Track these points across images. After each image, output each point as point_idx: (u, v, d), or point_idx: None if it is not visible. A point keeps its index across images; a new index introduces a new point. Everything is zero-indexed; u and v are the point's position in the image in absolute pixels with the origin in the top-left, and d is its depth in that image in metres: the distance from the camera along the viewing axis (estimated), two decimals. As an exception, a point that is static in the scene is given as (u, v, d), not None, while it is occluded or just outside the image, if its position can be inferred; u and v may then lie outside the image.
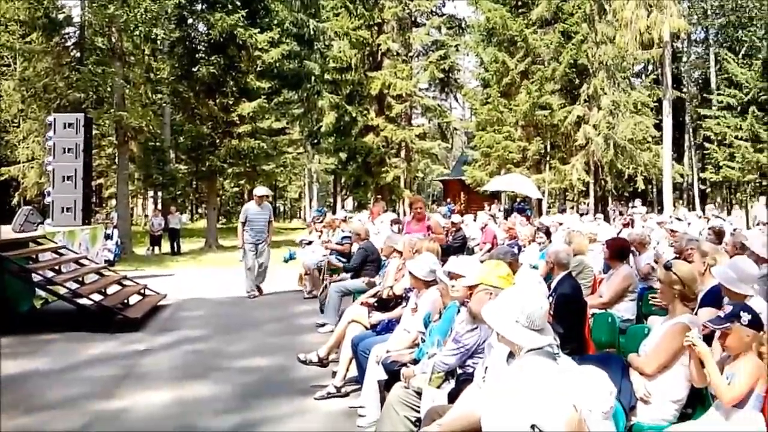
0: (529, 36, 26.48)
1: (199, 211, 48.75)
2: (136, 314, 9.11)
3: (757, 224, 13.24)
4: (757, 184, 33.23)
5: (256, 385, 6.24)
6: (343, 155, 28.61)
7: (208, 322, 9.55)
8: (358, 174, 27.71)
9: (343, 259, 10.56)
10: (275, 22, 25.90)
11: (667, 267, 4.25)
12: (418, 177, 34.89)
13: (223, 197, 43.05)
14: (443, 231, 10.41)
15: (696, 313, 4.57)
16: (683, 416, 3.82)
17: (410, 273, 5.42)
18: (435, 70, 27.70)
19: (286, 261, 14.05)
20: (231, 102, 23.29)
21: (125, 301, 9.82)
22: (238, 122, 23.29)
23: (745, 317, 3.48)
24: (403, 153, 27.97)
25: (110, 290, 10.03)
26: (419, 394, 4.07)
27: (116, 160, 24.21)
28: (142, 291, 10.60)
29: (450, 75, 32.55)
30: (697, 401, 3.81)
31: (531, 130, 27.27)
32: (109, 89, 21.16)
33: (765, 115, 31.38)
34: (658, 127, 28.76)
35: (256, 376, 6.58)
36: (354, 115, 26.96)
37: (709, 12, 37.36)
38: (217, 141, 23.57)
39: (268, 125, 24.41)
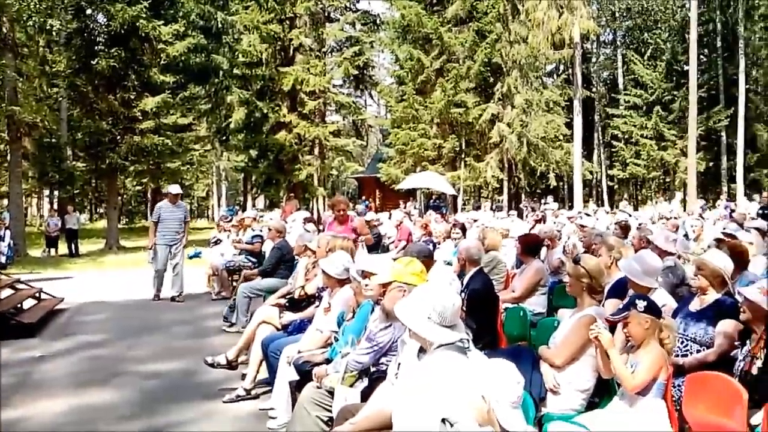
0: (444, 34, 26.95)
1: (99, 210, 46.87)
2: (31, 319, 8.78)
3: (660, 219, 14.06)
4: (661, 181, 35.38)
5: (160, 389, 6.10)
6: (253, 152, 28.14)
7: (109, 326, 9.26)
8: (269, 172, 27.33)
9: (254, 259, 10.41)
10: (181, 14, 25.25)
11: (576, 261, 4.43)
12: (333, 175, 34.85)
13: (125, 196, 41.56)
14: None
15: (603, 305, 4.81)
16: (591, 405, 4.00)
17: (323, 271, 5.41)
18: (349, 66, 27.70)
19: (190, 258, 13.70)
20: (133, 96, 22.54)
21: (19, 305, 9.39)
22: (140, 118, 22.54)
23: (641, 304, 3.70)
24: (316, 150, 27.82)
25: (2, 294, 9.49)
26: (331, 393, 4.08)
27: (8, 158, 22.94)
28: (37, 295, 10.16)
29: (365, 72, 32.66)
30: (604, 391, 4.00)
31: (446, 128, 27.78)
32: (-1, 82, 20.00)
33: (669, 114, 33.44)
34: (569, 125, 30.04)
35: (160, 380, 6.43)
36: (265, 111, 26.56)
37: (617, 14, 39.38)
38: (118, 137, 22.72)
39: (173, 121, 23.73)
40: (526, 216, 16.17)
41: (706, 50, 36.24)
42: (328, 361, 4.50)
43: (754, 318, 4.08)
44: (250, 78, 27.45)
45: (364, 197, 34.10)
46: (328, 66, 28.20)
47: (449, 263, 7.53)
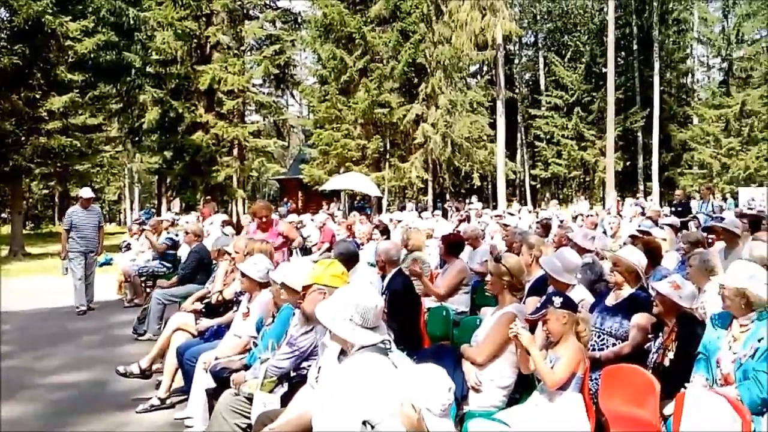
0: (368, 33, 27.07)
1: (2, 215, 44.57)
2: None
3: (576, 217, 14.63)
4: (581, 180, 36.78)
5: (70, 401, 5.93)
6: (168, 154, 27.41)
7: (13, 337, 8.85)
8: (185, 174, 26.69)
9: (168, 265, 10.15)
10: (90, 9, 24.26)
11: (497, 259, 4.56)
12: (253, 176, 34.40)
13: (30, 200, 39.71)
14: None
15: (524, 302, 4.95)
16: (512, 401, 4.12)
17: (242, 275, 5.34)
18: (270, 65, 27.41)
19: (100, 265, 13.21)
20: (38, 96, 21.51)
21: None
22: (46, 118, 21.55)
23: (557, 301, 3.85)
24: (235, 151, 27.38)
25: None
26: (250, 400, 4.04)
27: None
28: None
29: (286, 71, 32.43)
30: (525, 386, 4.13)
31: (370, 128, 27.88)
32: None
33: (588, 115, 34.79)
34: (493, 125, 30.76)
35: (70, 392, 6.23)
36: (180, 111, 25.93)
37: (538, 17, 40.66)
38: (23, 138, 21.65)
39: (81, 121, 22.79)
40: (451, 216, 16.48)
41: (623, 53, 37.86)
42: (246, 367, 4.46)
43: (665, 311, 4.31)
44: (165, 76, 26.74)
45: (286, 199, 33.85)
46: (247, 64, 27.81)
47: (372, 264, 7.56)
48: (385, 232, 8.86)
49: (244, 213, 26.55)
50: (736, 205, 19.07)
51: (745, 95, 31.70)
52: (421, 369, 3.01)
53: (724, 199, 24.17)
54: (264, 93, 30.58)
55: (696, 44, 37.91)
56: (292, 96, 38.82)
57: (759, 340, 3.73)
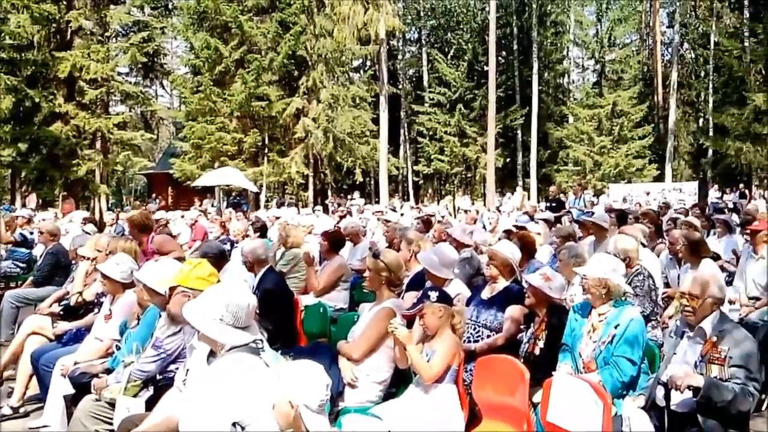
0: (245, 23, 26.59)
1: None
2: None
3: (459, 212, 15.18)
4: (463, 176, 38.03)
5: None
6: (23, 146, 25.69)
7: None
8: (42, 167, 25.18)
9: (22, 265, 9.54)
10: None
11: (376, 255, 4.67)
12: (118, 171, 32.97)
13: None
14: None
15: (402, 298, 5.09)
16: (389, 396, 4.24)
17: (103, 276, 5.14)
18: (137, 53, 26.33)
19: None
20: None
21: None
22: None
23: (434, 295, 4.01)
24: (98, 144, 26.13)
25: None
26: (112, 405, 3.95)
27: None
28: None
29: (155, 59, 31.34)
30: (401, 380, 4.25)
31: (247, 122, 27.44)
32: None
33: (470, 112, 35.98)
34: (376, 121, 31.11)
35: None
36: (37, 100, 24.42)
37: (422, 14, 41.50)
38: None
39: None
40: (333, 212, 16.59)
41: (504, 52, 39.31)
42: (108, 371, 4.35)
43: (537, 302, 4.59)
44: (19, 63, 25.06)
45: (154, 195, 32.72)
46: (112, 52, 26.61)
47: (248, 263, 7.48)
48: (262, 229, 8.79)
49: (107, 209, 25.40)
50: (630, 200, 20.24)
51: (616, 96, 33.93)
52: (299, 365, 3.05)
53: (597, 195, 25.91)
54: (131, 82, 29.42)
55: (572, 46, 39.95)
56: (162, 86, 37.63)
57: (615, 327, 4.06)
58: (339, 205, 21.29)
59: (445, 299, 4.05)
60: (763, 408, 5.31)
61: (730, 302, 6.25)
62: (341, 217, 12.48)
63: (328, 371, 4.01)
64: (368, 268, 4.66)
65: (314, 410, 2.84)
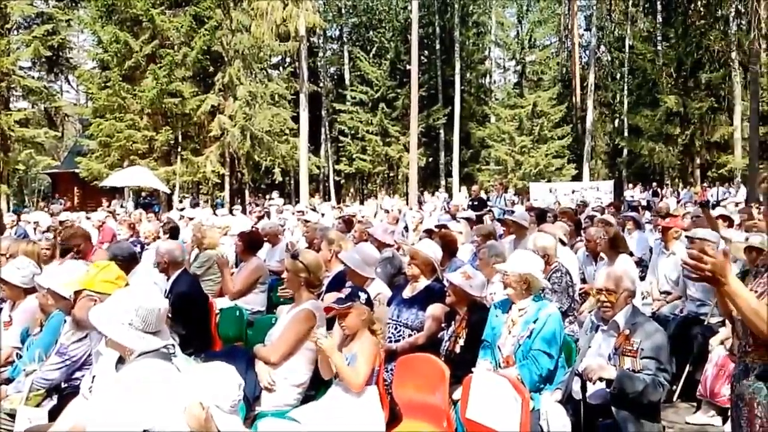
0: (157, 17, 25.83)
1: None
2: None
3: (382, 211, 15.31)
4: (386, 176, 38.31)
5: None
6: None
7: None
8: (-66, 166, 23.92)
9: None
10: None
11: (294, 256, 4.65)
12: (19, 170, 31.54)
13: None
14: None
15: (322, 299, 5.09)
16: (309, 398, 4.23)
17: (2, 281, 4.95)
18: (40, 46, 25.35)
19: None
20: None
21: None
22: None
23: (363, 296, 4.03)
24: (-2, 141, 25.01)
25: None
26: (12, 416, 3.82)
27: None
28: None
29: (60, 53, 30.24)
30: (320, 383, 4.25)
31: (159, 119, 26.69)
32: None
33: (393, 111, 36.29)
34: (296, 119, 30.95)
35: None
36: (-72, 94, 23.19)
37: (343, 11, 41.53)
38: None
39: None
40: (251, 212, 16.37)
41: (426, 51, 39.80)
42: (8, 381, 4.22)
43: (457, 300, 4.70)
44: None
45: (58, 196, 31.51)
46: (13, 45, 25.48)
47: (159, 266, 7.32)
48: (174, 230, 8.60)
49: (8, 211, 24.29)
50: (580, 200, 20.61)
51: (537, 97, 34.99)
52: (209, 367, 3.02)
53: (518, 194, 26.63)
54: (33, 77, 28.27)
55: (493, 47, 40.97)
56: (68, 81, 36.27)
57: (534, 321, 4.21)
58: (257, 205, 21.05)
59: (368, 303, 4.08)
60: (674, 398, 5.60)
61: (644, 296, 6.57)
62: (259, 218, 12.33)
63: (245, 375, 3.99)
64: (286, 269, 4.64)
65: (226, 411, 2.81)
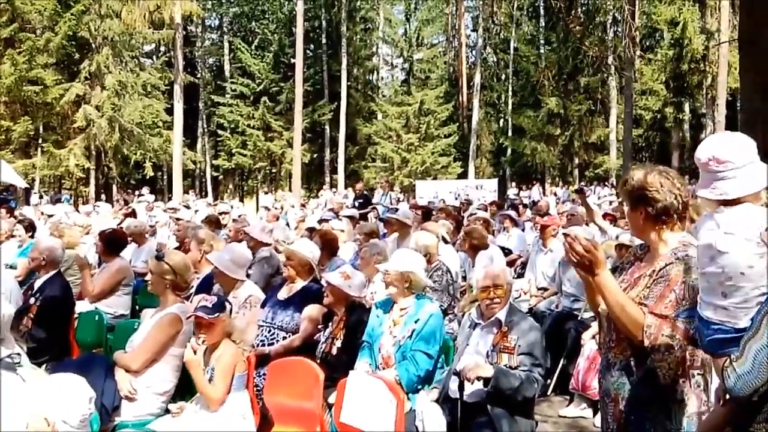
0: (16, -1, 24.71)
1: None
2: None
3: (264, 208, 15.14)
4: (267, 172, 37.88)
5: None
6: None
7: None
8: None
9: None
10: None
11: (159, 257, 4.47)
12: None
13: None
14: None
15: (191, 301, 4.92)
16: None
17: None
18: None
19: None
20: None
21: None
22: None
23: (228, 306, 3.94)
24: None
25: None
26: None
27: None
28: None
29: None
30: (186, 390, 4.10)
31: (17, 108, 25.66)
32: None
33: (276, 105, 35.90)
34: (170, 111, 30.11)
35: None
36: None
37: (223, 0, 40.65)
38: None
39: None
40: (119, 209, 15.71)
41: (312, 45, 39.72)
42: None
43: (336, 301, 4.66)
44: None
45: None
46: None
47: (12, 266, 6.87)
48: (30, 228, 8.10)
49: None
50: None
51: (424, 95, 35.60)
52: (57, 379, 2.87)
53: (403, 192, 27.05)
54: None
55: (381, 44, 41.40)
56: None
57: (416, 322, 4.25)
58: (126, 201, 20.28)
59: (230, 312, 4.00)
60: (548, 392, 5.84)
61: (518, 294, 6.83)
62: (126, 215, 11.84)
63: (103, 384, 3.82)
64: (150, 272, 4.45)
65: (74, 426, 2.65)
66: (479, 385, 3.76)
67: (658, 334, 2.41)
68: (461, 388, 3.81)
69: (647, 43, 32.36)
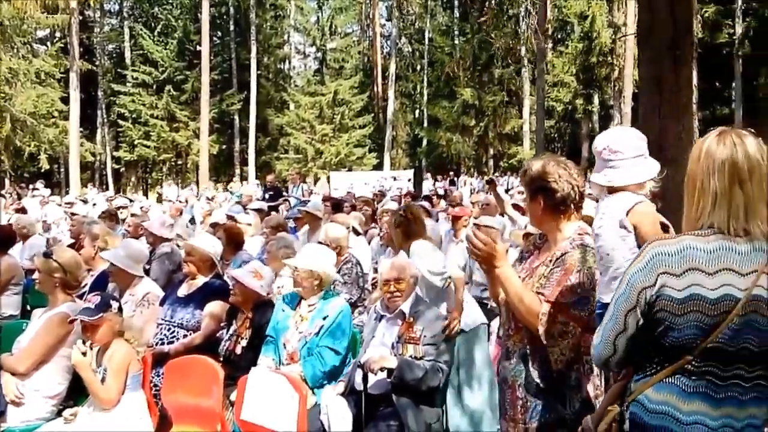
0: None
1: None
2: None
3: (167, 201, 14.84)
4: (173, 163, 37.07)
5: None
6: None
7: None
8: None
9: None
10: None
11: (47, 255, 4.35)
12: None
13: None
14: None
15: (85, 300, 4.78)
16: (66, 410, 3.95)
17: None
18: None
19: None
20: None
21: None
22: None
23: (115, 305, 3.83)
24: None
25: None
26: None
27: None
28: None
29: None
30: (79, 392, 4.00)
31: None
32: None
33: (181, 95, 35.14)
34: (66, 100, 29.10)
35: None
36: None
37: (119, -16, 39.45)
38: None
39: None
40: (10, 204, 15.06)
41: (219, 33, 39.08)
42: None
43: (243, 300, 4.62)
44: None
45: None
46: None
47: None
48: None
49: None
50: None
51: (338, 85, 35.57)
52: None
53: (315, 183, 27.03)
54: None
55: (293, 32, 41.07)
56: None
57: (324, 318, 4.27)
58: (19, 196, 19.50)
59: (120, 310, 3.91)
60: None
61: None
62: (17, 211, 11.39)
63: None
64: (38, 269, 4.33)
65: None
66: (383, 376, 3.82)
67: (552, 321, 2.52)
68: (365, 380, 3.87)
69: (558, 36, 33.41)
